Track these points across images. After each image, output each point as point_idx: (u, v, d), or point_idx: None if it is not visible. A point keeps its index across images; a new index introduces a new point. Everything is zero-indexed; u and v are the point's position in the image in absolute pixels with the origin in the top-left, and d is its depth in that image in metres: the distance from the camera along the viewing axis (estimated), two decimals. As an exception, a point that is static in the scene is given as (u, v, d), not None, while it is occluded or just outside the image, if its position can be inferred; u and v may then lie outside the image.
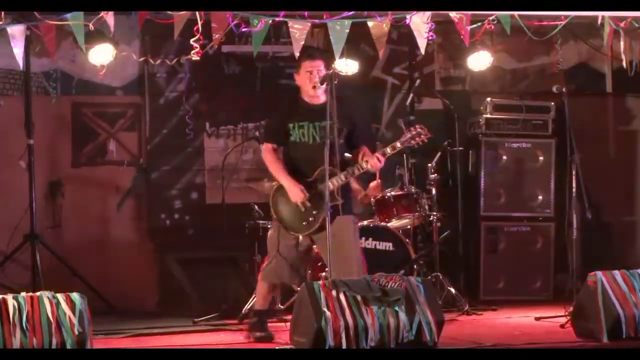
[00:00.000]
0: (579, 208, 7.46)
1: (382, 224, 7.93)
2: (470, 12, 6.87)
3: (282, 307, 7.75)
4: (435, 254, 8.06)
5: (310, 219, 6.58)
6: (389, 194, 8.02)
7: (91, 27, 6.38)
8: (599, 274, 6.32)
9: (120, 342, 6.73)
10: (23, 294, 5.62)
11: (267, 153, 6.74)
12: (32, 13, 6.37)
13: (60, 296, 5.63)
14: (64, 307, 5.57)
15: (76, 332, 5.52)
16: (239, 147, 8.67)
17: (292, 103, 6.74)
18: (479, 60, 8.52)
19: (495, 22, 6.94)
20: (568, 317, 6.86)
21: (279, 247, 6.63)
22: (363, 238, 7.74)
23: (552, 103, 8.85)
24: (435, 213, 8.01)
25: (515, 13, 6.91)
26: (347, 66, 8.33)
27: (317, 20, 6.86)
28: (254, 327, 6.77)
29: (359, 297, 5.90)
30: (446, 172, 8.42)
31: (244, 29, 6.71)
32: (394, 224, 7.98)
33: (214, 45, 6.80)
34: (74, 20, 6.36)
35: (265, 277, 6.79)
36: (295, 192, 6.57)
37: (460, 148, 8.46)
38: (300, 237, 6.65)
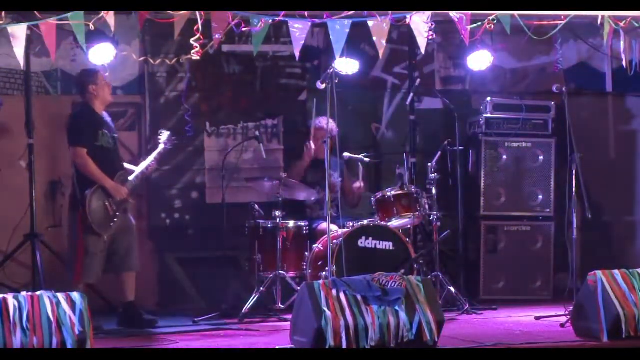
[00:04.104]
0: (579, 208, 7.47)
1: (382, 223, 7.94)
2: (470, 12, 6.87)
3: (282, 306, 7.76)
4: (435, 253, 8.06)
5: (115, 219, 7.37)
6: (389, 194, 8.03)
7: (91, 26, 6.38)
8: (599, 273, 6.33)
9: (120, 342, 6.74)
10: (23, 293, 5.63)
11: (84, 157, 7.33)
12: (33, 13, 6.38)
13: (60, 296, 5.64)
14: (64, 307, 5.58)
15: (76, 332, 5.53)
16: (239, 147, 8.68)
17: (93, 112, 7.49)
18: (479, 60, 8.52)
19: (495, 21, 6.94)
20: (568, 317, 6.87)
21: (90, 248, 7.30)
22: (363, 237, 7.75)
23: (552, 102, 8.85)
24: (435, 212, 8.01)
25: (515, 13, 6.92)
26: (347, 66, 8.33)
27: (317, 20, 6.87)
28: None
29: (359, 297, 5.91)
30: (446, 171, 8.42)
31: (244, 29, 6.72)
32: (394, 223, 7.99)
33: (214, 44, 6.81)
34: (75, 20, 6.36)
35: (86, 278, 7.36)
36: (122, 189, 7.41)
37: (460, 147, 8.46)
38: (105, 237, 7.32)
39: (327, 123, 7.39)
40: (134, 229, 7.68)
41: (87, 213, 7.25)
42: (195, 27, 6.59)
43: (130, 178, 7.56)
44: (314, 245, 7.92)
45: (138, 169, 7.67)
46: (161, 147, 7.78)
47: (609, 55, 8.99)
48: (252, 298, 7.74)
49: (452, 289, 7.94)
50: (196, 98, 8.89)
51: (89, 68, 7.59)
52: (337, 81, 6.82)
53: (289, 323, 6.30)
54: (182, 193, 8.86)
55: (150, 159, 7.72)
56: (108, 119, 7.64)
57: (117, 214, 7.38)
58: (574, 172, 7.39)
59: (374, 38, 6.95)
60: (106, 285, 8.01)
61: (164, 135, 7.83)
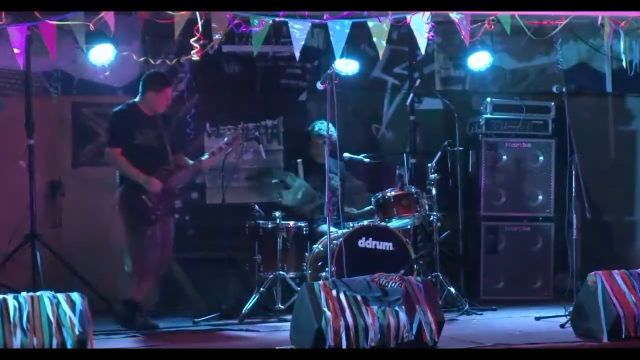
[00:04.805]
0: (579, 208, 7.47)
1: (382, 224, 7.94)
2: (470, 12, 6.88)
3: (282, 307, 7.76)
4: (435, 253, 8.06)
5: (158, 212, 7.30)
6: (389, 194, 8.02)
7: (91, 27, 6.39)
8: (599, 273, 6.33)
9: (120, 342, 6.74)
10: (24, 293, 5.63)
11: (116, 157, 7.36)
12: (33, 13, 6.38)
13: (60, 296, 5.64)
14: (64, 307, 5.58)
15: (77, 332, 5.53)
16: (239, 147, 8.67)
17: (136, 111, 7.45)
18: (479, 60, 8.53)
19: (495, 22, 6.95)
20: (568, 317, 6.87)
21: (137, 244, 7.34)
22: (363, 238, 7.75)
23: (552, 103, 8.85)
24: (435, 213, 8.01)
25: (515, 13, 6.92)
26: (348, 66, 8.33)
27: (317, 20, 6.88)
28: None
29: (359, 297, 5.92)
30: (446, 172, 8.43)
31: (244, 29, 6.72)
32: (394, 224, 7.99)
33: (214, 45, 6.81)
34: (75, 20, 6.37)
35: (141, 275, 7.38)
36: (155, 182, 7.29)
37: (460, 148, 8.46)
38: (150, 231, 7.22)
39: (328, 126, 7.39)
40: (172, 234, 7.61)
41: (121, 210, 7.35)
42: (195, 28, 6.60)
43: (176, 173, 7.51)
44: (314, 246, 7.93)
45: (190, 165, 7.65)
46: (223, 142, 7.72)
47: (609, 56, 9.00)
48: (252, 298, 7.74)
49: (452, 290, 7.94)
50: (196, 98, 8.89)
51: (162, 75, 7.64)
52: (337, 82, 6.82)
53: (289, 323, 6.31)
54: (182, 193, 8.84)
55: (205, 156, 7.65)
56: (159, 118, 7.52)
57: (160, 206, 7.34)
58: (573, 172, 7.39)
59: (374, 38, 6.96)
60: (106, 285, 8.03)
61: (228, 136, 7.81)
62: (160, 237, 7.40)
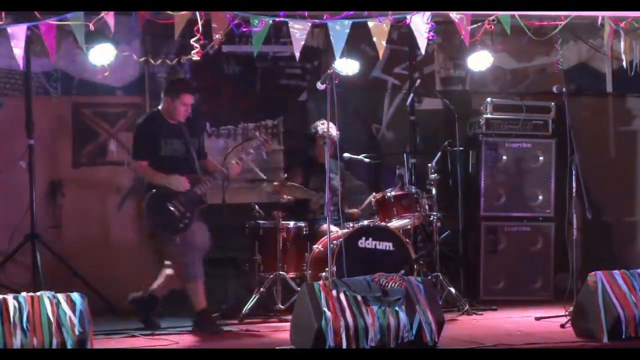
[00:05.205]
0: (579, 208, 7.47)
1: (383, 224, 7.94)
2: (470, 12, 6.87)
3: (282, 307, 7.76)
4: (436, 254, 8.06)
5: (186, 221, 7.21)
6: (389, 194, 8.02)
7: (91, 27, 6.38)
8: (599, 274, 6.33)
9: (121, 342, 6.74)
10: (24, 294, 5.64)
11: (140, 169, 7.41)
12: (33, 13, 6.37)
13: (60, 296, 5.64)
14: (64, 307, 5.58)
15: (77, 332, 5.53)
16: (239, 147, 8.66)
17: (160, 121, 7.39)
18: (479, 61, 8.52)
19: (495, 22, 6.94)
20: (568, 317, 6.87)
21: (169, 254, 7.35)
22: (363, 238, 7.75)
23: (552, 103, 8.85)
24: (435, 213, 8.01)
25: (516, 13, 6.92)
26: (347, 66, 8.33)
27: (317, 20, 6.87)
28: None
29: (359, 297, 5.92)
30: (446, 172, 8.43)
31: (244, 29, 6.72)
32: (394, 224, 7.98)
33: (214, 45, 6.81)
34: (75, 20, 6.36)
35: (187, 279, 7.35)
36: (181, 181, 7.24)
37: (460, 148, 8.46)
38: (178, 240, 7.18)
39: (328, 126, 7.38)
40: (207, 237, 7.46)
41: (148, 220, 7.33)
42: (196, 28, 6.59)
43: (203, 181, 7.43)
44: (314, 246, 7.93)
45: (217, 169, 7.63)
46: (250, 148, 7.74)
47: (609, 56, 8.99)
48: (252, 298, 7.74)
49: (452, 290, 7.94)
50: (196, 98, 8.87)
51: (180, 81, 7.67)
52: (337, 82, 6.82)
53: (289, 323, 6.31)
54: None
55: (233, 161, 7.63)
56: (183, 126, 7.45)
57: (188, 215, 7.26)
58: (574, 172, 7.39)
59: (374, 38, 6.95)
60: (106, 285, 8.02)
61: (255, 140, 7.80)
62: (198, 239, 7.31)
